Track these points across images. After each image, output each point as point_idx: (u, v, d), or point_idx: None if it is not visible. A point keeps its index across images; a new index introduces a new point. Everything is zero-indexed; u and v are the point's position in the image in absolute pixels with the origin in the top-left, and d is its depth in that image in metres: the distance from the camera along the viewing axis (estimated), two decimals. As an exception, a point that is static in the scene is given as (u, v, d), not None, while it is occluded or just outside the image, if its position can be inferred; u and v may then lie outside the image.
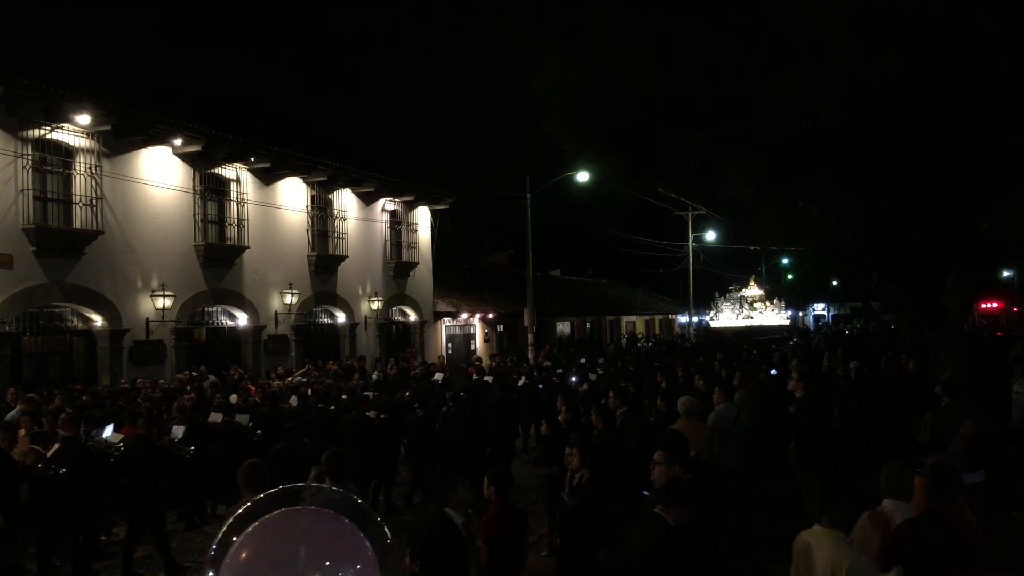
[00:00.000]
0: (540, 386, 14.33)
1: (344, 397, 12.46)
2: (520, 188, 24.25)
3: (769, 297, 36.47)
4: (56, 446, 8.14)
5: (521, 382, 14.67)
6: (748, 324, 34.73)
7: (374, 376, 17.14)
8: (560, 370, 16.72)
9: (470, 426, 10.32)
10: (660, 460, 4.52)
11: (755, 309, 35.30)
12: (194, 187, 17.20)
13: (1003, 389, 10.27)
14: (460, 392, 12.08)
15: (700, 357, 18.89)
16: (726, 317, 35.46)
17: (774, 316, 35.82)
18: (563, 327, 35.81)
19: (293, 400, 12.38)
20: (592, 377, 14.89)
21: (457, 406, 10.97)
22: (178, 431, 9.77)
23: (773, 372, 13.43)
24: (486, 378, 15.02)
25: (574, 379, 15.48)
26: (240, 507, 1.57)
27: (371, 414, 10.44)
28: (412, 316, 25.17)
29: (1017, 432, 9.34)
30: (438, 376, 15.85)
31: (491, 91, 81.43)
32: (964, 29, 7.29)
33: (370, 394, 12.29)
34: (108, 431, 9.63)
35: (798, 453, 7.84)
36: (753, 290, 36.43)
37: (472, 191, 34.69)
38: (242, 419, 10.58)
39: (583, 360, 20.01)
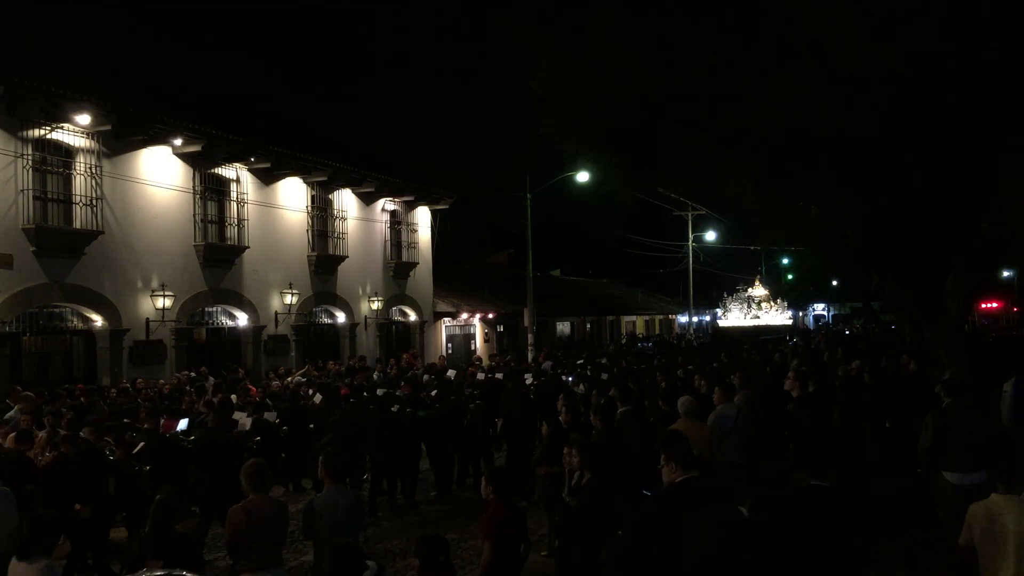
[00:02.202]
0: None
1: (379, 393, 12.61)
2: (520, 188, 24.28)
3: (772, 297, 36.55)
4: (142, 443, 8.64)
5: (530, 380, 14.83)
6: (755, 324, 34.84)
7: (374, 376, 17.14)
8: (564, 371, 16.83)
9: (490, 420, 10.77)
10: (663, 461, 4.53)
11: (761, 309, 35.41)
12: (194, 187, 17.19)
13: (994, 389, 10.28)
14: (481, 390, 12.50)
15: (698, 358, 18.91)
16: (734, 317, 35.58)
17: (779, 316, 35.93)
18: (563, 327, 35.81)
19: (317, 398, 12.61)
20: (604, 376, 14.94)
21: (489, 404, 11.33)
22: (246, 423, 10.29)
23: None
24: (497, 375, 15.17)
25: (571, 379, 15.52)
26: None
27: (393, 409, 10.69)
28: (412, 316, 25.16)
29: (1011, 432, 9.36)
30: (451, 373, 16.10)
31: (491, 91, 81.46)
32: (964, 28, 7.29)
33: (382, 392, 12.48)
34: (183, 424, 10.28)
35: (795, 451, 7.84)
36: (759, 290, 36.51)
37: (472, 191, 34.77)
38: (270, 416, 10.96)
39: (581, 360, 20.04)
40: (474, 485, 10.57)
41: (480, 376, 15.55)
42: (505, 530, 5.25)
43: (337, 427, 9.64)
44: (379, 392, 11.89)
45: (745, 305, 35.58)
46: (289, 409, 11.50)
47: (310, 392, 13.70)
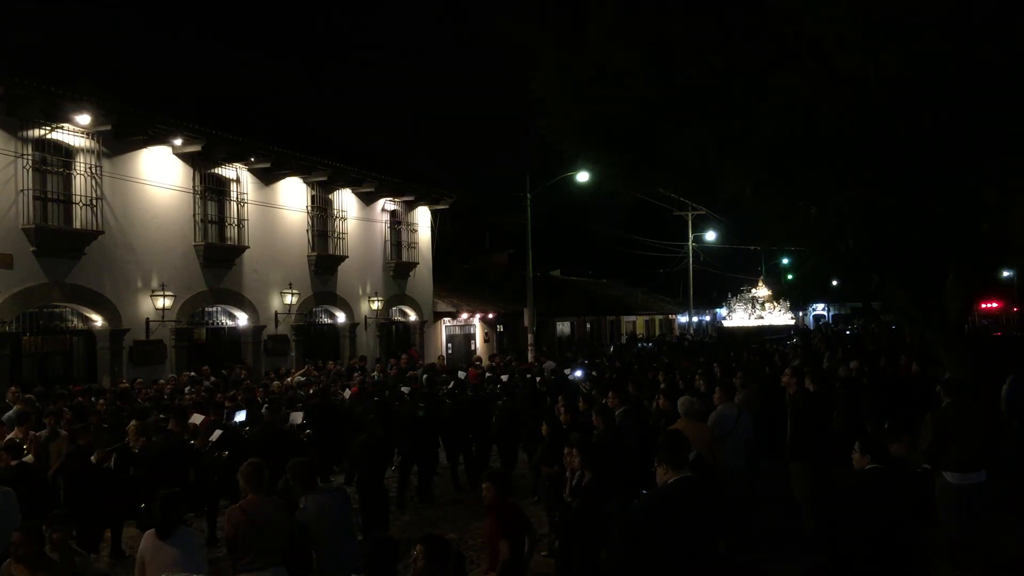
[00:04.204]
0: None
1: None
2: (520, 188, 24.29)
3: (775, 297, 36.64)
4: (219, 432, 9.32)
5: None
6: (759, 324, 34.96)
7: (374, 376, 17.15)
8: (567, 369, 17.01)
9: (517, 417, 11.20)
10: (656, 463, 4.55)
11: (764, 309, 35.52)
12: (194, 187, 17.19)
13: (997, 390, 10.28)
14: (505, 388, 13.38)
15: (701, 357, 18.94)
16: (739, 317, 35.67)
17: (782, 316, 36.05)
18: (563, 327, 35.79)
19: (346, 393, 13.21)
20: (594, 374, 15.10)
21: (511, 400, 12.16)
22: (296, 417, 10.89)
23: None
24: (502, 377, 15.33)
25: (579, 373, 15.57)
26: None
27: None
28: (412, 316, 25.16)
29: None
30: (461, 374, 16.54)
31: (491, 91, 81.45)
32: (964, 27, 7.29)
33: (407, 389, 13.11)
34: (241, 416, 10.91)
35: (791, 444, 7.86)
36: (762, 290, 36.60)
37: (472, 191, 34.78)
38: (296, 416, 11.42)
39: (584, 360, 20.09)
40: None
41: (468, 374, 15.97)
42: (519, 528, 5.26)
43: (372, 426, 10.01)
44: (404, 390, 12.71)
45: (749, 305, 35.67)
46: (319, 405, 11.94)
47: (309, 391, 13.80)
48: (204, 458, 8.87)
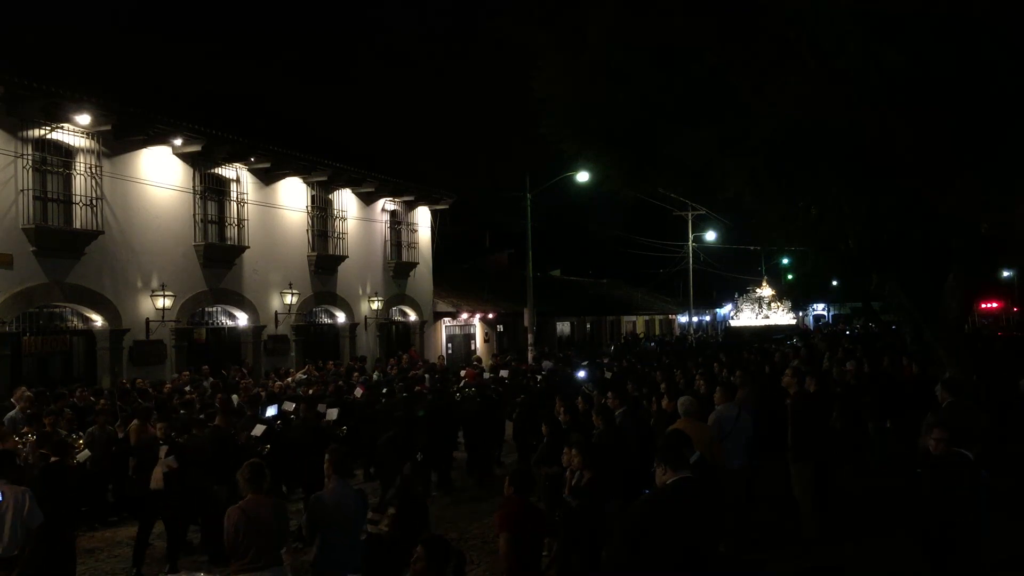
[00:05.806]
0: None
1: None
2: (520, 188, 24.29)
3: (777, 297, 36.76)
4: (261, 427, 9.63)
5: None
6: (766, 324, 35.11)
7: (374, 376, 17.15)
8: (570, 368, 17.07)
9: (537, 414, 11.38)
10: (655, 463, 4.54)
11: (770, 309, 35.66)
12: (194, 187, 17.19)
13: (1005, 389, 10.29)
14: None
15: (700, 357, 18.96)
16: (746, 317, 35.79)
17: (785, 316, 36.22)
18: (563, 327, 35.80)
19: (357, 392, 13.39)
20: (608, 375, 15.16)
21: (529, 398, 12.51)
22: (332, 413, 11.19)
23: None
24: (501, 373, 15.37)
25: (582, 374, 15.58)
26: None
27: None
28: (412, 316, 25.17)
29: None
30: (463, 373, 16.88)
31: (491, 91, 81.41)
32: (965, 26, 7.28)
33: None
34: (272, 411, 11.26)
35: (792, 446, 7.86)
36: (767, 290, 36.68)
37: (472, 191, 34.78)
38: (332, 414, 11.62)
39: (586, 361, 20.11)
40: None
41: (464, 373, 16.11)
42: (521, 525, 5.25)
43: (399, 424, 10.21)
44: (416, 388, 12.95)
45: (756, 306, 35.80)
46: (335, 404, 12.05)
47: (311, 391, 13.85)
48: (249, 452, 9.00)
